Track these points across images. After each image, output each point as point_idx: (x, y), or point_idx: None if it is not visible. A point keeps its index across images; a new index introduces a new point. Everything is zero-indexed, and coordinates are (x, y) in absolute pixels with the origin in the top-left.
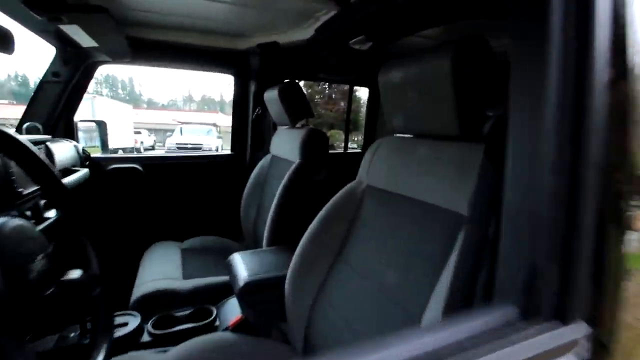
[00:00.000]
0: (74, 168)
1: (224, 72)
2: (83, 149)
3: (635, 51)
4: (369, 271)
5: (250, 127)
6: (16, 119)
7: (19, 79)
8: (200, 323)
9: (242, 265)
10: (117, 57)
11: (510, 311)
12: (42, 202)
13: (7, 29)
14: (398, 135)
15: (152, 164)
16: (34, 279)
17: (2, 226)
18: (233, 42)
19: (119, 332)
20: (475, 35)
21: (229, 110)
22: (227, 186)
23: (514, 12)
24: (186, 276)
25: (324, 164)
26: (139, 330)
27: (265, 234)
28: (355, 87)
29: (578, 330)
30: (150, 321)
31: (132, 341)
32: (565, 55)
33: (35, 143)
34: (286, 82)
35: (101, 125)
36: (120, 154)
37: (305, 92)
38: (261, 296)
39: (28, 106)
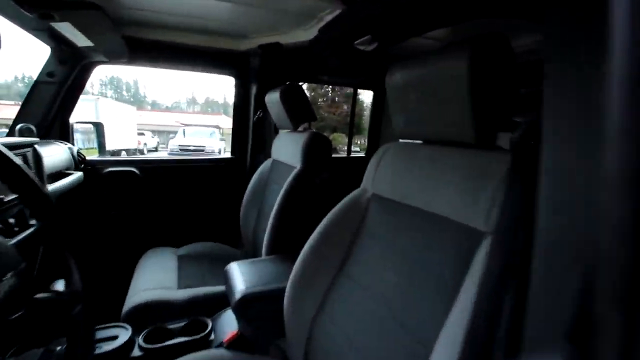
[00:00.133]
0: (67, 171)
1: (225, 74)
2: (78, 152)
3: None
4: (373, 286)
5: (251, 131)
6: None
7: (26, 80)
8: (194, 337)
9: (239, 276)
10: (114, 57)
11: None
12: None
13: None
14: (405, 141)
15: (149, 167)
16: None
17: None
18: (234, 43)
19: (108, 346)
20: (494, 33)
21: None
22: (226, 191)
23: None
24: (181, 285)
25: (327, 170)
26: (129, 343)
27: (265, 242)
28: (358, 90)
29: None
30: (141, 334)
31: (122, 356)
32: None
33: (22, 146)
34: (288, 84)
35: (98, 127)
36: (123, 155)
37: (308, 95)
38: (259, 310)
39: (22, 107)
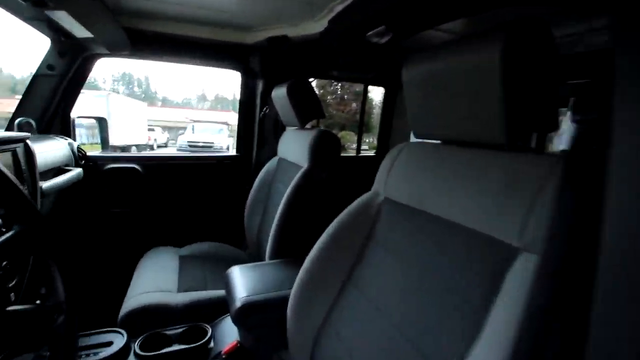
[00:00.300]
0: (66, 167)
1: (230, 68)
2: (78, 147)
3: None
4: (383, 300)
5: (257, 127)
6: None
7: None
8: (192, 345)
9: (240, 282)
10: (116, 49)
11: None
12: None
13: None
14: (421, 140)
15: (151, 164)
16: None
17: None
18: (240, 36)
19: (102, 354)
20: (533, 18)
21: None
22: (231, 189)
23: None
24: (181, 288)
25: (335, 169)
26: (124, 350)
27: (269, 245)
28: (367, 88)
29: None
30: (137, 340)
31: None
32: None
33: (11, 141)
34: (295, 79)
35: (102, 122)
36: (133, 150)
37: (317, 92)
38: (260, 319)
39: (21, 100)
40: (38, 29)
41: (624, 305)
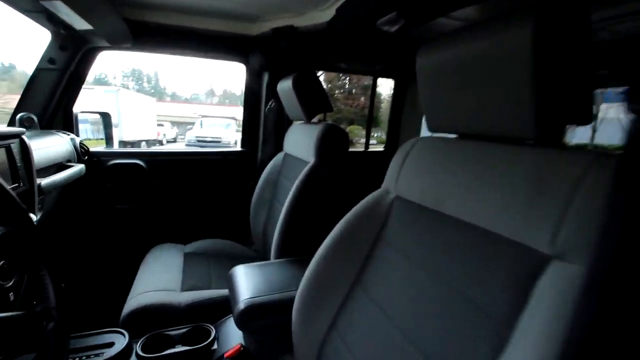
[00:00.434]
0: (68, 163)
1: (234, 60)
2: (81, 143)
3: None
4: (392, 307)
5: (262, 122)
6: None
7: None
8: (195, 347)
9: (244, 283)
10: (117, 42)
11: None
12: None
13: None
14: (437, 135)
15: (155, 160)
16: None
17: None
18: (243, 26)
19: (103, 355)
20: None
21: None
22: (236, 185)
23: None
24: (185, 287)
25: (343, 165)
26: (126, 351)
27: (274, 244)
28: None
29: None
30: (140, 341)
31: None
32: None
33: (5, 137)
34: (301, 71)
35: (106, 117)
36: (143, 145)
37: (325, 87)
38: (264, 322)
39: (22, 95)
40: (38, 22)
41: None
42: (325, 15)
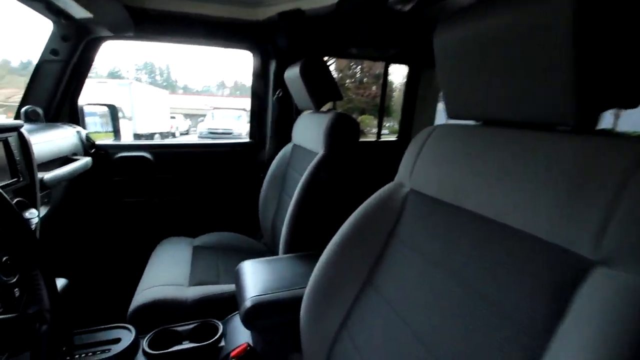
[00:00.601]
0: (74, 157)
1: (240, 48)
2: (87, 136)
3: None
4: (406, 309)
5: (270, 112)
6: None
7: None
8: (202, 343)
9: (251, 279)
10: (119, 30)
11: None
12: (16, 199)
13: None
14: (457, 122)
15: (162, 152)
16: None
17: None
18: (250, 12)
19: (110, 352)
20: None
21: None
22: (245, 177)
23: None
24: (193, 282)
25: (353, 155)
26: (133, 347)
27: (282, 238)
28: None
29: None
30: (146, 337)
31: None
32: None
33: (1, 130)
34: (309, 57)
35: (113, 110)
36: (156, 138)
37: (335, 76)
38: (271, 320)
39: (27, 88)
40: (39, 12)
41: None
42: None
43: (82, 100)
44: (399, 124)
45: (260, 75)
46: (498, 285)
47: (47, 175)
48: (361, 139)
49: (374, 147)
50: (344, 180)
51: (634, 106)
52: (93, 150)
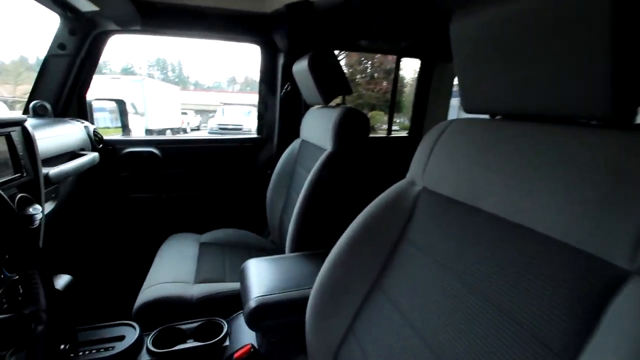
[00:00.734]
0: (81, 152)
1: (248, 41)
2: (95, 131)
3: None
4: (416, 316)
5: (278, 107)
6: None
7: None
8: (206, 342)
9: (256, 279)
10: (126, 24)
11: None
12: (20, 195)
13: None
14: (473, 116)
15: (169, 148)
16: None
17: None
18: (257, 4)
19: (114, 349)
20: None
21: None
22: (252, 173)
23: None
24: (198, 279)
25: (363, 152)
26: (137, 345)
27: (289, 236)
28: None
29: None
30: (151, 335)
31: (129, 359)
32: None
33: (4, 124)
34: (318, 49)
35: (121, 105)
36: (168, 133)
37: (346, 71)
38: (276, 321)
39: (35, 83)
40: (45, 5)
41: None
42: None
43: (91, 96)
44: (410, 120)
45: (268, 70)
46: (518, 295)
47: (53, 171)
48: (371, 135)
49: (384, 143)
50: (352, 178)
51: None
52: (101, 146)
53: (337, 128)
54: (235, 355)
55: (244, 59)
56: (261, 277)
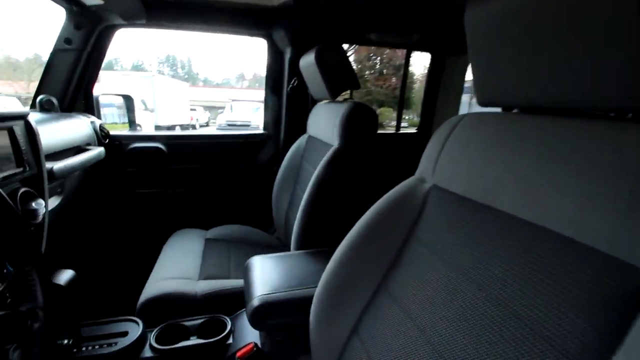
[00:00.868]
0: (87, 147)
1: (254, 35)
2: (101, 126)
3: None
4: (424, 319)
5: (285, 102)
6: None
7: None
8: (210, 340)
9: (260, 276)
10: (131, 18)
11: None
12: (22, 189)
13: None
14: (487, 111)
15: (175, 144)
16: None
17: None
18: None
19: (117, 345)
20: None
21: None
22: (258, 169)
23: None
24: (203, 275)
25: (371, 148)
26: (140, 341)
27: (294, 233)
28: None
29: None
30: (154, 331)
31: (132, 354)
32: None
33: (6, 118)
34: (325, 43)
35: (128, 100)
36: (177, 129)
37: (354, 67)
38: (280, 320)
39: (42, 77)
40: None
41: None
42: None
43: (99, 91)
44: (420, 115)
45: (274, 64)
46: (536, 302)
47: (57, 165)
48: (379, 131)
49: (392, 139)
50: (359, 175)
51: None
52: (107, 141)
53: (344, 123)
54: (238, 354)
55: (252, 55)
56: (265, 275)
